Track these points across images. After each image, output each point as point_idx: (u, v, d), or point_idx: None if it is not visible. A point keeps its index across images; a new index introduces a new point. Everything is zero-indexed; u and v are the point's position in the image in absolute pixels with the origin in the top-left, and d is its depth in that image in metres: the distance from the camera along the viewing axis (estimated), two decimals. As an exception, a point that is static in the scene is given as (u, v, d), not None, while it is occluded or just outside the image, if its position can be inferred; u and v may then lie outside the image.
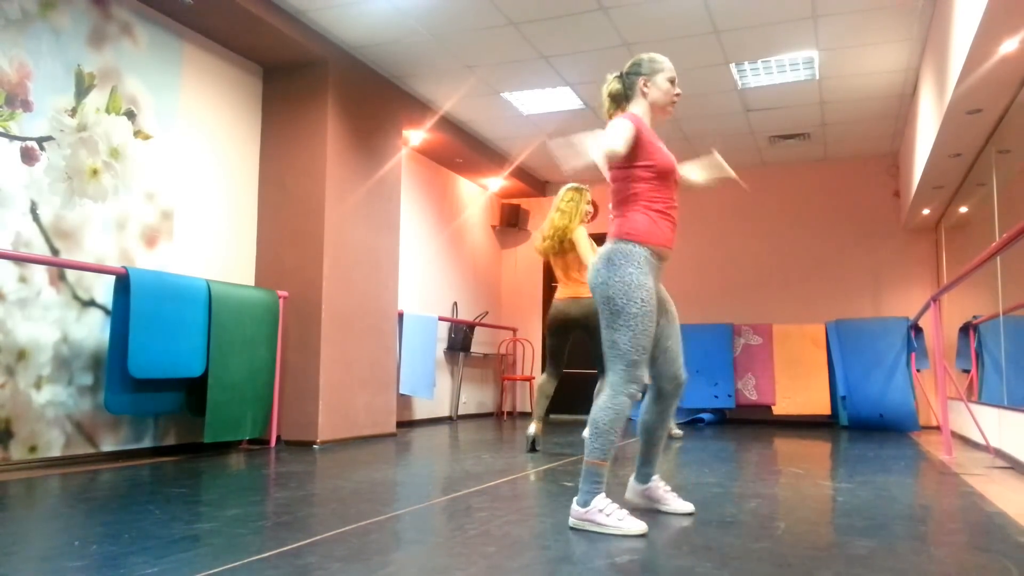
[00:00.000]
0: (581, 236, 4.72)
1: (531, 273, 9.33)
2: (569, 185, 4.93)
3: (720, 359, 7.63)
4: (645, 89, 2.63)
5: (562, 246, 4.79)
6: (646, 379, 2.49)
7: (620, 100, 2.68)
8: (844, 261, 7.99)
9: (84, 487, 3.27)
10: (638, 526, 2.36)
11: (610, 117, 2.66)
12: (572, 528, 2.43)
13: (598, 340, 4.55)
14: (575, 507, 2.45)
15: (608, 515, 2.37)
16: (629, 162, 2.53)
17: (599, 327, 2.49)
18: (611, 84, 2.70)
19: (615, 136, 2.41)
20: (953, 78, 4.18)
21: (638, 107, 2.65)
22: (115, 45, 4.37)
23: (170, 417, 4.59)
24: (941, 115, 4.70)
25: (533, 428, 4.79)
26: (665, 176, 2.55)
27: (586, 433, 2.50)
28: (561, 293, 4.87)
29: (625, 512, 2.40)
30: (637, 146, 2.50)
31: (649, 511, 2.68)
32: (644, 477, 2.75)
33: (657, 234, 2.52)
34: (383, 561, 1.99)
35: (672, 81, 2.65)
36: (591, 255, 4.68)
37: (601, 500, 2.41)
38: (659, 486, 2.73)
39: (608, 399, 2.44)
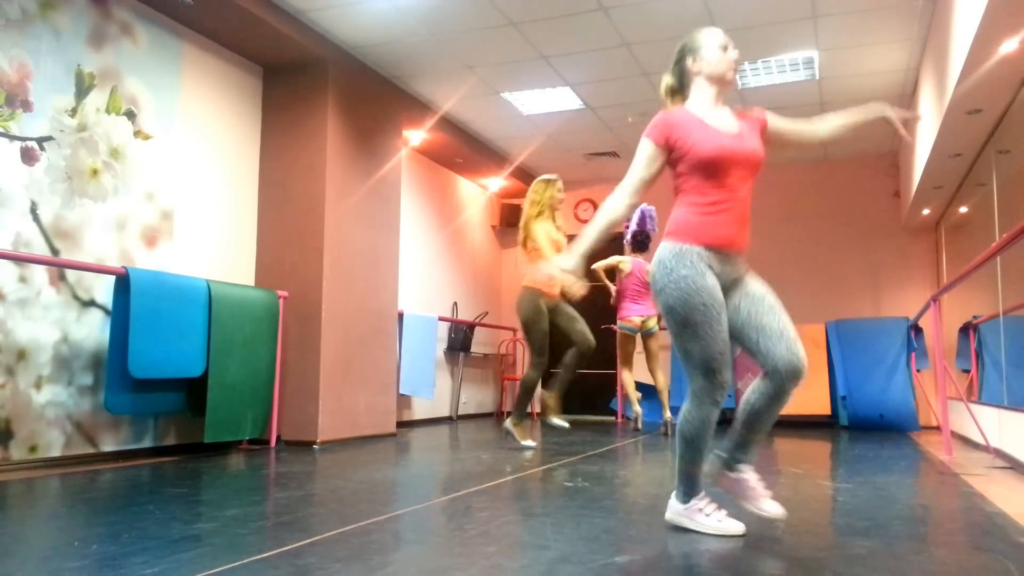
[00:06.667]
0: (537, 230, 4.81)
1: (531, 273, 9.32)
2: (540, 177, 5.06)
3: (720, 359, 7.61)
4: (695, 68, 2.44)
5: (525, 239, 4.92)
6: (730, 380, 2.31)
7: (677, 93, 2.50)
8: (844, 261, 7.98)
9: (84, 487, 3.27)
10: (737, 527, 2.30)
11: None
12: (668, 521, 2.42)
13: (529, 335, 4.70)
14: (673, 502, 2.42)
15: (708, 515, 2.34)
16: (668, 158, 2.37)
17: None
18: (665, 81, 2.53)
19: (614, 197, 2.37)
20: (953, 78, 4.17)
21: (696, 92, 2.44)
22: (115, 45, 4.37)
23: (170, 417, 4.59)
24: (941, 115, 4.70)
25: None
26: (711, 167, 2.30)
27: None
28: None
29: (723, 513, 2.35)
30: (669, 147, 2.34)
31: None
32: (733, 463, 2.40)
33: (704, 232, 2.28)
34: (383, 561, 1.99)
35: (724, 48, 2.43)
36: (548, 249, 4.77)
37: (700, 500, 2.37)
38: (750, 478, 2.38)
39: (693, 409, 2.29)
